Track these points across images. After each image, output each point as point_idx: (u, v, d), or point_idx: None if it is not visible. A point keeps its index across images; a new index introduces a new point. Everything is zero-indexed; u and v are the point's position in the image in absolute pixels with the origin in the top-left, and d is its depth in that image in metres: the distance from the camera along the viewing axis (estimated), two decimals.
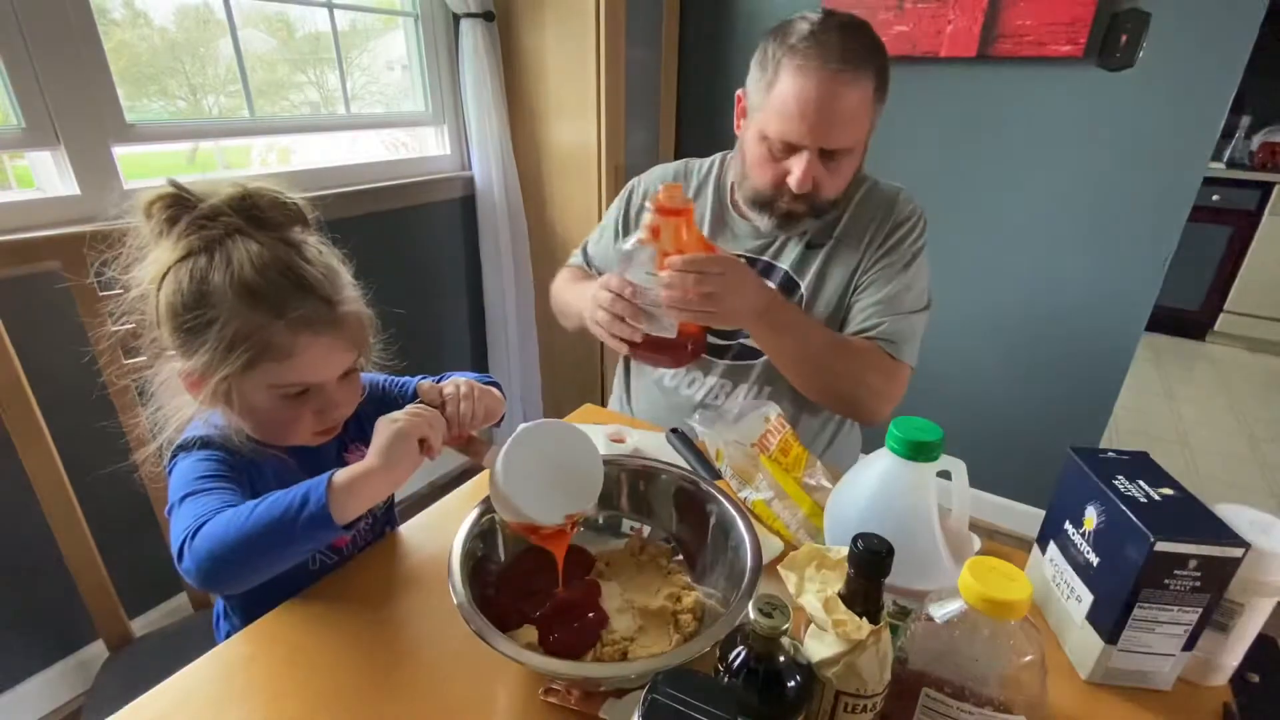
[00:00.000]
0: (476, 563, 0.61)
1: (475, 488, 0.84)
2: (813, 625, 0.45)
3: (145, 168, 1.49)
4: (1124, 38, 1.44)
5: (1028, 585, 0.41)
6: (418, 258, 1.89)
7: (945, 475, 0.54)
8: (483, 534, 0.63)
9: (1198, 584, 0.50)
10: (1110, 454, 0.60)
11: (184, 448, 0.62)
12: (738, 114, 0.95)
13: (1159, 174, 1.51)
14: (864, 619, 0.42)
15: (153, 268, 0.59)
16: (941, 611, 0.44)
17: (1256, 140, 3.31)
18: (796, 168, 0.83)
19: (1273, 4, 1.36)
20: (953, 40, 1.59)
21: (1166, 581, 0.50)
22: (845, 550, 0.44)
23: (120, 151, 1.26)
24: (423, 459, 0.57)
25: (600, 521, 0.72)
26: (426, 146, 1.95)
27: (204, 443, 0.63)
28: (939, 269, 1.02)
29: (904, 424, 0.51)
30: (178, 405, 0.65)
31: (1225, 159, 3.38)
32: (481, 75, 1.79)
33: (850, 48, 0.79)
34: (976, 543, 0.60)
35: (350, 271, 0.66)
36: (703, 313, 0.77)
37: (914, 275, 0.93)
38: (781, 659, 0.43)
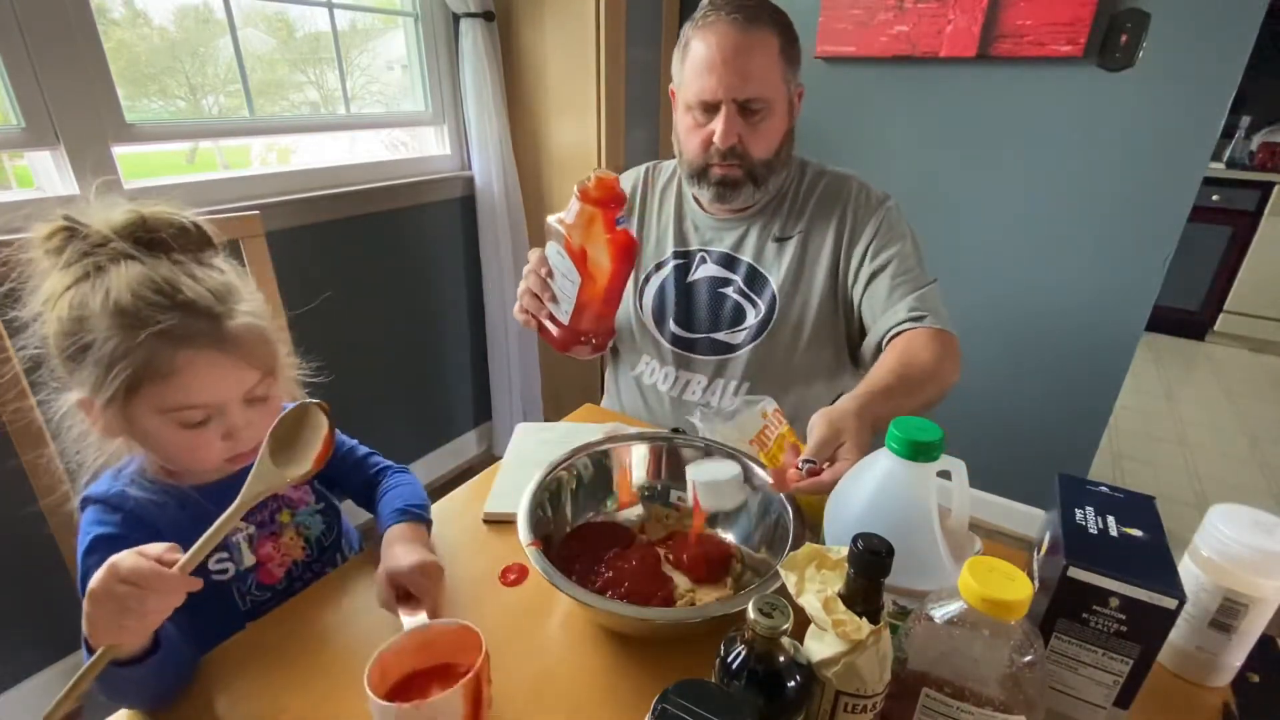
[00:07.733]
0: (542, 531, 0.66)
1: (472, 486, 0.84)
2: (813, 625, 0.45)
3: (145, 167, 1.49)
4: (1124, 38, 1.44)
5: (1028, 585, 0.40)
6: (418, 257, 1.89)
7: (945, 475, 0.54)
8: (541, 504, 0.69)
9: (1124, 629, 0.47)
10: (1103, 488, 0.57)
11: (86, 501, 0.62)
12: (674, 110, 0.98)
13: (1159, 174, 1.51)
14: (864, 619, 0.42)
15: (42, 299, 0.58)
16: (941, 611, 0.44)
17: (1256, 140, 3.31)
18: (718, 124, 0.89)
19: (1273, 4, 1.36)
20: (953, 40, 1.59)
21: (1085, 616, 0.48)
22: (845, 550, 0.44)
23: (120, 151, 1.27)
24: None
25: (657, 489, 0.79)
26: (426, 146, 1.95)
27: (101, 501, 0.61)
28: (938, 269, 1.01)
29: (904, 424, 0.51)
30: (90, 445, 0.63)
31: (1225, 159, 3.38)
32: (481, 75, 1.79)
33: (746, 5, 0.86)
34: (977, 543, 0.59)
35: (248, 282, 0.65)
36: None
37: (914, 247, 0.95)
38: (781, 659, 0.43)
